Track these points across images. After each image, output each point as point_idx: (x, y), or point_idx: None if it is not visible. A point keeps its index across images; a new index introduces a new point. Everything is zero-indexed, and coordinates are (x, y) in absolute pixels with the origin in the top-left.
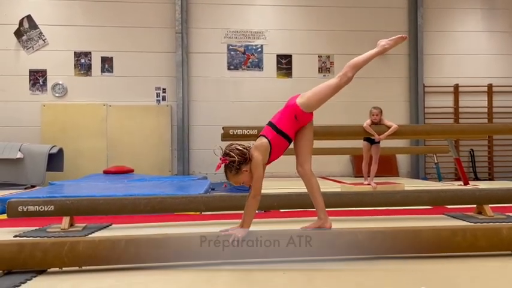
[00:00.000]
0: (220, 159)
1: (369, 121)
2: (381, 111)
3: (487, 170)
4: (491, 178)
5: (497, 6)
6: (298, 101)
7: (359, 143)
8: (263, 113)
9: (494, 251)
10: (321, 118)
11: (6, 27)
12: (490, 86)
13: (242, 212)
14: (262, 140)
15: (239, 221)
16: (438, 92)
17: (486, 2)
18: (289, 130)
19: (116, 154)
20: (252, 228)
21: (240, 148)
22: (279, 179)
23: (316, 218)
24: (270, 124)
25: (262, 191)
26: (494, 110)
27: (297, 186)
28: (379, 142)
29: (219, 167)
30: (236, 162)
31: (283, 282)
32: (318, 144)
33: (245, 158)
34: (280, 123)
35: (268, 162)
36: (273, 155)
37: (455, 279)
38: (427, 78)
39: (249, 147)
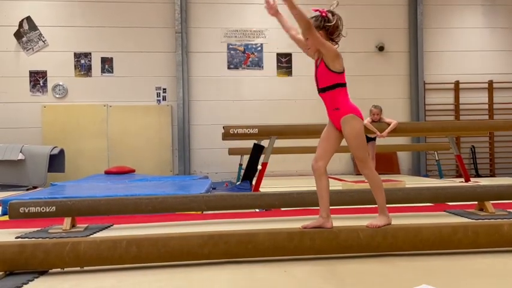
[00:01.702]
0: (324, 10)
1: (369, 119)
2: (381, 110)
3: (488, 166)
4: (492, 175)
5: (497, 2)
6: (346, 117)
7: None
8: (264, 112)
9: (495, 247)
10: (321, 116)
11: (6, 29)
12: (490, 83)
13: (243, 211)
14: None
15: (242, 219)
16: (439, 89)
17: None
18: (327, 96)
19: (117, 154)
20: (252, 227)
21: (340, 27)
22: (280, 178)
23: (317, 216)
24: (344, 84)
25: (263, 189)
26: (495, 106)
27: (298, 185)
28: (375, 139)
29: (316, 10)
30: (327, 23)
31: (284, 281)
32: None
33: (333, 32)
34: (338, 91)
35: (315, 53)
36: (321, 64)
37: (456, 276)
38: (428, 75)
39: (339, 39)
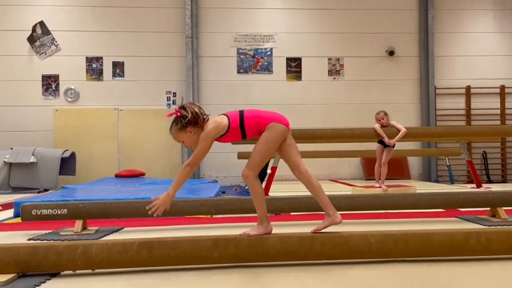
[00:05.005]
0: (176, 109)
1: (377, 124)
2: (386, 114)
3: (500, 172)
4: (504, 180)
5: (508, 6)
6: (268, 126)
7: (369, 146)
8: None
9: (509, 254)
10: (331, 121)
11: (19, 33)
12: (502, 88)
13: (253, 215)
14: (224, 121)
15: (250, 224)
16: (450, 94)
17: (497, 2)
18: (250, 133)
19: (127, 158)
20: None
21: (198, 111)
22: (289, 182)
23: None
24: (241, 113)
25: (273, 194)
26: (507, 111)
27: (307, 189)
28: (393, 146)
29: (170, 115)
30: (186, 119)
31: (295, 285)
32: (328, 146)
33: (197, 121)
34: (249, 122)
35: (218, 140)
36: (223, 139)
37: (469, 283)
38: (439, 80)
39: (207, 115)
